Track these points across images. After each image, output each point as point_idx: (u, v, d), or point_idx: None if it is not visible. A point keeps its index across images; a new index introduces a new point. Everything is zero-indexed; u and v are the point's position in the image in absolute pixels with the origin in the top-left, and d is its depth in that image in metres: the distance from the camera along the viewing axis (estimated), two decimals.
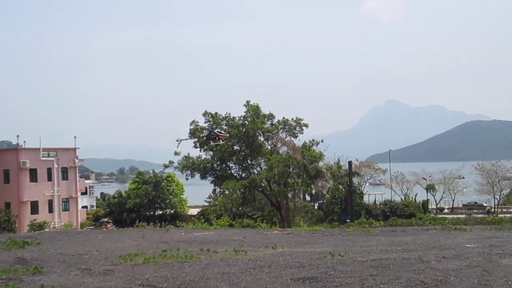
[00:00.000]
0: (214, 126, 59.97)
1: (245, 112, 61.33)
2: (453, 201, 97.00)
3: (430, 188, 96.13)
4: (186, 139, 60.26)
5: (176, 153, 63.44)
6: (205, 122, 61.92)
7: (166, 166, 67.33)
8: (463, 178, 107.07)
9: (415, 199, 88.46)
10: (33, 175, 72.79)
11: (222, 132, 58.48)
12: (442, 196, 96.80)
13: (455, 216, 65.19)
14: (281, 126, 62.43)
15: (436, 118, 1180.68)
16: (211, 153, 61.98)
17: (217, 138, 58.55)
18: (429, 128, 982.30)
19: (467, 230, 25.78)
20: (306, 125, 62.60)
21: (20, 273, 14.56)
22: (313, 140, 63.51)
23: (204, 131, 61.51)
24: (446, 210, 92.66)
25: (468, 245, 18.95)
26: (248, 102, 61.76)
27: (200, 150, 62.31)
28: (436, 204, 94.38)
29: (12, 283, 12.42)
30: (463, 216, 61.79)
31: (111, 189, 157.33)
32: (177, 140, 60.41)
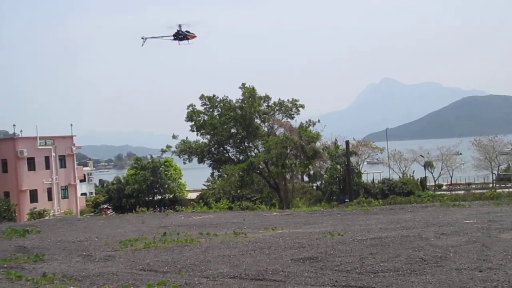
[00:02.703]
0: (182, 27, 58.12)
1: (241, 94, 61.13)
2: (451, 177, 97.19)
3: (428, 165, 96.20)
4: (152, 37, 59.83)
5: (174, 137, 63.39)
6: (201, 105, 61.77)
7: (163, 151, 67.25)
8: (461, 154, 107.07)
9: (413, 176, 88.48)
10: (31, 164, 72.67)
11: (190, 32, 58.15)
12: (440, 173, 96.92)
13: (453, 192, 65.20)
14: (277, 108, 62.25)
15: (432, 95, 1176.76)
16: (208, 137, 61.86)
17: (185, 37, 58.39)
18: (425, 105, 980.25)
19: (465, 206, 25.85)
20: (302, 106, 62.48)
21: (21, 261, 14.61)
22: (310, 120, 63.45)
23: (201, 115, 61.43)
24: (444, 187, 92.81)
25: (467, 221, 19.01)
26: (243, 84, 61.55)
27: (197, 134, 62.23)
28: (434, 181, 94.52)
29: (14, 272, 12.44)
30: (462, 192, 61.85)
31: (109, 175, 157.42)
32: (142, 38, 60.42)
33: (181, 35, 57.66)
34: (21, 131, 77.59)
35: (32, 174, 72.29)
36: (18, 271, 12.73)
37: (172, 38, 57.88)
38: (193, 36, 58.45)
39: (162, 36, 58.32)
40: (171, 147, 64.13)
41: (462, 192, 63.37)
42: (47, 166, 74.33)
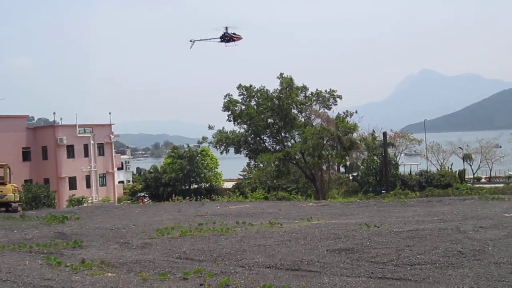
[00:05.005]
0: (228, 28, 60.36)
1: (279, 84, 60.91)
2: (490, 170, 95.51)
3: (466, 157, 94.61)
4: (199, 40, 61.55)
5: (210, 127, 63.52)
6: (239, 95, 61.74)
7: (200, 142, 67.58)
8: (501, 147, 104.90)
9: (451, 169, 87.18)
10: (70, 151, 73.86)
11: (236, 33, 59.73)
12: (479, 165, 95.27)
13: (492, 185, 64.08)
14: (314, 98, 61.88)
15: (472, 87, 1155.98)
16: (245, 126, 61.86)
17: (231, 39, 60.08)
18: (465, 96, 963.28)
19: (505, 200, 25.44)
20: (339, 97, 61.95)
21: (60, 247, 14.90)
22: (347, 111, 62.88)
23: (238, 104, 61.53)
24: (483, 180, 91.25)
25: (506, 214, 18.72)
26: (281, 74, 61.28)
27: (234, 124, 62.29)
28: (473, 174, 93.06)
29: (54, 257, 12.70)
30: (501, 185, 60.73)
31: (146, 164, 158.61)
32: (190, 41, 62.25)
33: (227, 37, 59.11)
34: (61, 118, 78.98)
35: (71, 162, 73.48)
36: (58, 257, 12.98)
37: (219, 40, 59.54)
38: (239, 38, 59.86)
39: (210, 39, 60.30)
40: (207, 138, 64.34)
41: (502, 185, 62.17)
42: (86, 154, 75.48)
